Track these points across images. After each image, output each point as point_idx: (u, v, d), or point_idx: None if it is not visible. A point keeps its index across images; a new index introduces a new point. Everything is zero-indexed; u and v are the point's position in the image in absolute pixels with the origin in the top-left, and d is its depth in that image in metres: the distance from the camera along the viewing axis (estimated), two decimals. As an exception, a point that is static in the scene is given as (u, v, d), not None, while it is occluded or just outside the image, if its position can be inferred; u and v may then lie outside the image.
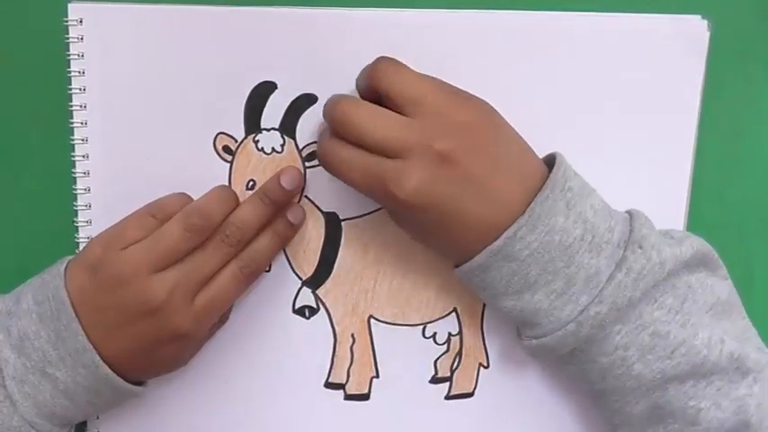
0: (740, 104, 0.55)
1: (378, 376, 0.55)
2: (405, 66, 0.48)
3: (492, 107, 0.48)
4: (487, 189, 0.46)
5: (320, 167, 0.52)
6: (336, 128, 0.47)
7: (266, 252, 0.51)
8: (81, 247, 0.53)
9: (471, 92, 0.49)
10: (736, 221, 0.57)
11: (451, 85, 0.48)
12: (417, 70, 0.49)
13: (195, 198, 0.51)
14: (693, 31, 0.53)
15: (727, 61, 0.54)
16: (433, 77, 0.48)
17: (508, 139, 0.48)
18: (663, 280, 0.47)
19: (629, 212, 0.49)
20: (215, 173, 0.53)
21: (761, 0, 0.55)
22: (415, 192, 0.45)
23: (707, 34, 0.53)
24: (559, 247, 0.46)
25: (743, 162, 0.56)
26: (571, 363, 0.49)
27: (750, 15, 0.55)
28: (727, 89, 0.55)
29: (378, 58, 0.48)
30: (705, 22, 0.53)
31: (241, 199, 0.52)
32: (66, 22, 0.52)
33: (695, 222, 0.55)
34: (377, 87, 0.47)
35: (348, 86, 0.51)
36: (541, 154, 0.50)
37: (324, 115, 0.49)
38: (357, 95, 0.50)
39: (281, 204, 0.51)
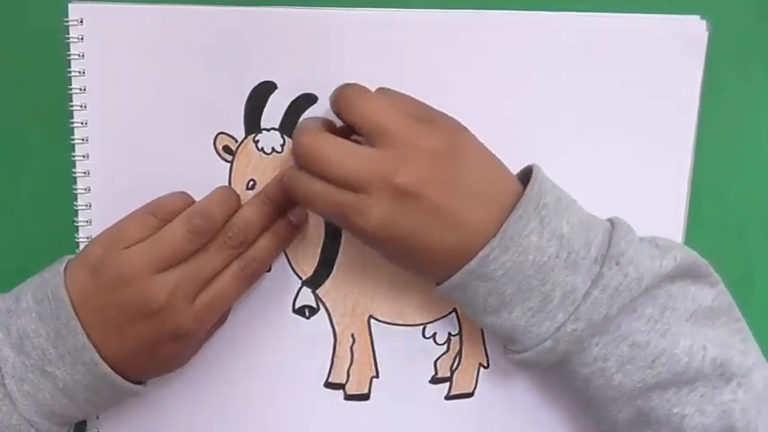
0: (740, 104, 0.55)
1: (378, 376, 0.55)
2: (368, 93, 0.48)
3: (461, 128, 0.48)
4: (454, 216, 0.46)
5: (320, 167, 0.53)
6: (299, 161, 0.47)
7: (267, 253, 0.51)
8: (81, 247, 0.53)
9: (467, 91, 0.48)
10: (736, 221, 0.57)
11: (420, 107, 0.49)
12: (416, 69, 0.50)
13: (196, 198, 0.51)
14: (692, 31, 0.53)
15: (727, 61, 0.54)
16: (400, 100, 0.48)
17: (478, 162, 0.48)
18: (640, 294, 0.47)
19: (612, 222, 0.49)
20: (215, 173, 0.53)
21: (761, 0, 0.55)
22: (379, 226, 0.46)
23: (706, 34, 0.53)
24: (533, 266, 0.46)
25: (743, 162, 0.56)
26: (555, 373, 0.49)
27: (750, 15, 0.55)
28: (727, 89, 0.55)
29: (341, 86, 0.48)
30: (704, 22, 0.53)
31: (242, 199, 0.52)
32: (67, 22, 0.52)
33: (695, 222, 0.55)
34: (341, 116, 0.48)
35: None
36: (539, 155, 0.50)
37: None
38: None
39: (282, 206, 0.51)
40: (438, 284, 0.49)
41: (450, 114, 0.49)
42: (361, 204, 0.45)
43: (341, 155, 0.46)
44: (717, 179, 0.56)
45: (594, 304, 0.46)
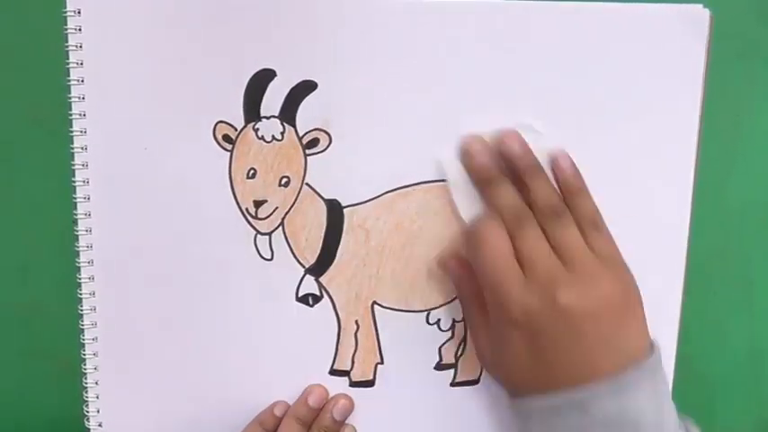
0: (741, 104, 0.55)
1: (382, 362, 0.55)
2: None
3: (634, 280, 0.49)
4: (589, 347, 0.46)
5: (321, 154, 0.53)
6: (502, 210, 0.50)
7: None
8: (80, 240, 0.53)
9: (464, 80, 0.50)
10: (737, 221, 0.56)
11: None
12: (416, 55, 0.50)
13: (193, 188, 0.51)
14: (694, 18, 0.52)
15: (728, 61, 0.54)
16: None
17: (634, 314, 0.49)
18: None
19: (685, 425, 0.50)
20: (215, 162, 0.52)
21: (761, 0, 0.55)
22: (523, 313, 0.47)
23: (707, 21, 0.52)
24: (630, 423, 0.46)
25: (743, 162, 0.56)
26: None
27: (750, 15, 0.55)
28: (728, 89, 0.55)
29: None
30: (707, 10, 0.52)
31: (242, 188, 0.52)
32: (65, 12, 0.51)
33: (696, 222, 0.54)
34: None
35: (347, 73, 0.51)
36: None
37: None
38: (361, 83, 0.51)
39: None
40: (518, 397, 0.49)
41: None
42: (523, 286, 0.47)
43: (538, 238, 0.48)
44: (717, 179, 0.55)
45: None
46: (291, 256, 0.54)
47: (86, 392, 0.54)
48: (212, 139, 0.53)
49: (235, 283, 0.54)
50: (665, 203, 0.54)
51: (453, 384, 0.55)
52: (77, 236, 0.53)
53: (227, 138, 0.53)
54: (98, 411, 0.54)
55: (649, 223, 0.53)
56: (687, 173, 0.54)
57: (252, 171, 0.53)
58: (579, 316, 0.46)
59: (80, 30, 0.52)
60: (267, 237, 0.53)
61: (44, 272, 0.56)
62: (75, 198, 0.53)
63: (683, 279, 0.55)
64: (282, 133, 0.53)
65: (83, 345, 0.54)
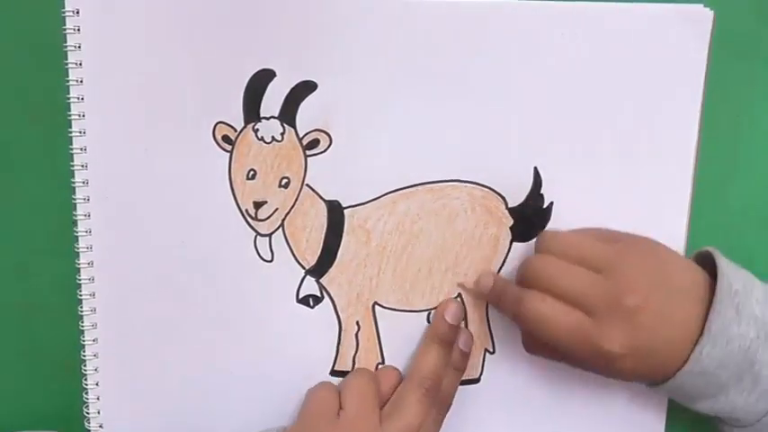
0: (741, 104, 0.55)
1: (383, 363, 0.55)
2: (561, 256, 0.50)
3: (643, 236, 0.51)
4: (672, 320, 0.48)
5: (321, 155, 0.53)
6: (528, 281, 0.50)
7: (452, 389, 0.53)
8: (80, 243, 0.52)
9: (464, 79, 0.50)
10: (737, 221, 0.56)
11: (600, 232, 0.52)
12: (414, 56, 0.50)
13: (193, 188, 0.51)
14: (697, 18, 0.52)
15: (728, 61, 0.54)
16: (585, 232, 0.52)
17: (674, 266, 0.50)
18: None
19: None
20: (215, 163, 0.52)
21: (761, 0, 0.55)
22: (625, 345, 0.47)
23: (710, 22, 0.52)
24: (740, 352, 0.47)
25: (743, 162, 0.56)
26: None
27: (750, 15, 0.55)
28: (728, 89, 0.54)
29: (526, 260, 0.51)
30: (708, 10, 0.52)
31: (241, 189, 0.52)
32: (63, 12, 0.51)
33: (696, 223, 0.55)
34: (546, 288, 0.49)
35: (347, 73, 0.51)
36: (544, 150, 0.51)
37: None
38: (361, 83, 0.51)
39: (454, 341, 0.53)
40: (651, 385, 0.51)
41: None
42: (601, 330, 0.48)
43: (572, 277, 0.49)
44: (717, 179, 0.55)
45: None
46: (292, 257, 0.54)
47: (86, 393, 0.54)
48: (212, 139, 0.52)
49: (235, 285, 0.53)
50: (664, 203, 0.54)
51: (454, 384, 0.55)
52: (77, 237, 0.53)
53: (226, 138, 0.52)
54: (98, 412, 0.54)
55: (648, 222, 0.53)
56: (686, 173, 0.54)
57: (252, 172, 0.53)
58: (646, 300, 0.47)
59: (79, 30, 0.51)
60: (267, 238, 0.53)
61: (44, 272, 0.56)
62: (74, 199, 0.53)
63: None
64: (282, 134, 0.53)
65: (83, 346, 0.54)
